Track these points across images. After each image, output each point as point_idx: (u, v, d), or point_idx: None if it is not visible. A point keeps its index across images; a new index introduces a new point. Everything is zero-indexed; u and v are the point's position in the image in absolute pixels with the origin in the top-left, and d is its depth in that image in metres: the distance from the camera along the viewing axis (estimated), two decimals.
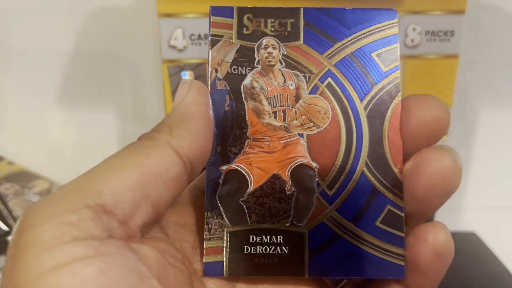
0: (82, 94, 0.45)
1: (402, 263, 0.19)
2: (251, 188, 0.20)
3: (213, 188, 0.20)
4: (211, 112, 0.20)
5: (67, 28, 0.43)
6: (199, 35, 0.38)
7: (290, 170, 0.20)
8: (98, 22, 0.42)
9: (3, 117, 0.45)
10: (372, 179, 0.20)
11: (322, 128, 0.20)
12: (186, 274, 0.18)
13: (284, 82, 0.20)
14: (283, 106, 0.20)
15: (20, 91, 0.45)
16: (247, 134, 0.20)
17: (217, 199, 0.20)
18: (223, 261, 0.20)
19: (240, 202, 0.20)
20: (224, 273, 0.19)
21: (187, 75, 0.40)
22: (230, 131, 0.20)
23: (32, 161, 0.45)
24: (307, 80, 0.20)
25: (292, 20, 0.21)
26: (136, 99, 0.45)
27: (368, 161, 0.20)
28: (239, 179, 0.20)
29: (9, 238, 0.34)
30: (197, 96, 0.19)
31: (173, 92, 0.41)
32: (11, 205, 0.36)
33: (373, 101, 0.20)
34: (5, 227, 0.34)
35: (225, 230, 0.20)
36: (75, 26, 0.43)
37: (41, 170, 0.45)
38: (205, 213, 0.20)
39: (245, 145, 0.20)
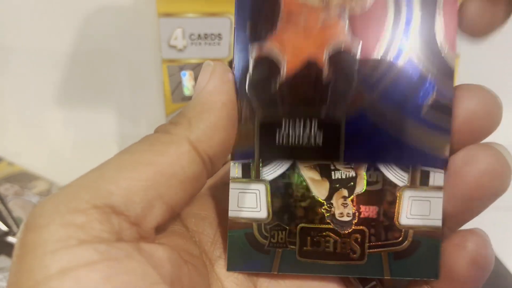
0: (81, 94, 0.45)
1: (444, 156, 0.18)
2: (283, 76, 0.18)
3: (242, 77, 0.18)
4: (234, 101, 0.18)
5: (66, 28, 0.43)
6: (199, 35, 0.38)
7: (328, 55, 0.18)
8: (98, 22, 0.42)
9: (2, 118, 0.45)
10: (420, 64, 0.18)
11: (366, 8, 0.18)
12: (202, 272, 0.18)
13: None
14: None
15: (19, 91, 0.45)
16: (281, 11, 0.18)
17: (247, 90, 0.18)
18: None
19: (272, 91, 0.18)
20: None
21: (187, 75, 0.40)
22: (261, 7, 0.18)
23: (31, 161, 0.45)
24: None
25: None
26: (136, 99, 0.45)
27: (416, 45, 0.18)
28: (270, 66, 0.18)
29: (9, 238, 0.34)
30: (220, 82, 0.18)
31: (173, 92, 0.41)
32: (11, 206, 0.36)
33: None
34: (4, 228, 0.34)
35: (256, 118, 0.18)
36: (74, 26, 0.43)
37: (41, 170, 0.45)
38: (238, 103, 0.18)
39: (278, 22, 0.18)
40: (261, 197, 0.19)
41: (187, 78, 0.40)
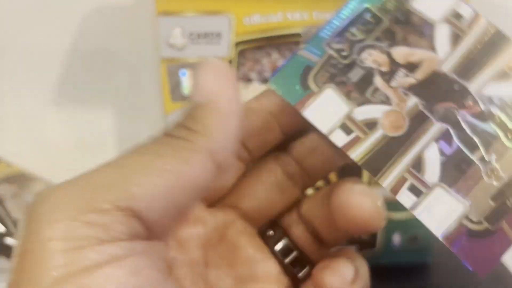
0: (80, 93, 0.45)
1: None
2: None
3: None
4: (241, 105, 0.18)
5: (64, 27, 0.43)
6: (199, 34, 0.38)
7: None
8: (96, 21, 0.43)
9: (0, 118, 0.45)
10: None
11: None
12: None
13: None
14: None
15: (18, 91, 0.45)
16: None
17: None
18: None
19: None
20: None
21: (186, 74, 0.40)
22: None
23: (29, 162, 0.45)
24: None
25: None
26: (134, 98, 0.45)
27: None
28: None
29: (7, 240, 0.34)
30: (228, 86, 0.17)
31: (172, 91, 0.41)
32: (9, 207, 0.36)
33: None
34: (3, 229, 0.34)
35: None
36: (72, 25, 0.43)
37: (39, 171, 0.45)
38: None
39: None
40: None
41: (186, 77, 0.40)
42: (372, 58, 0.20)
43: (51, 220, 0.14)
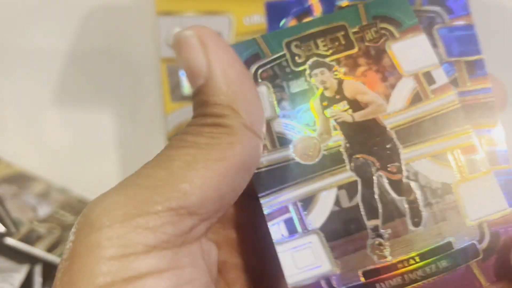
0: (79, 93, 0.45)
1: None
2: None
3: None
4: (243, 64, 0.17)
5: (64, 27, 0.43)
6: None
7: None
8: (96, 21, 0.43)
9: (0, 118, 0.45)
10: None
11: None
12: None
13: None
14: None
15: (17, 91, 0.45)
16: None
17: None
18: None
19: None
20: None
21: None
22: None
23: (29, 162, 0.45)
24: None
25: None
26: (134, 98, 0.45)
27: None
28: None
29: (7, 240, 0.34)
30: (223, 54, 0.16)
31: (172, 91, 0.41)
32: (9, 207, 0.36)
33: None
34: (2, 229, 0.34)
35: None
36: (72, 25, 0.43)
37: (39, 171, 0.45)
38: None
39: None
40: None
41: (186, 77, 0.40)
42: (322, 78, 0.19)
43: (101, 225, 0.14)
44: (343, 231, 0.17)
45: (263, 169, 0.18)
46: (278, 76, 0.19)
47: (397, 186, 0.18)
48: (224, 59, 0.16)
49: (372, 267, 0.17)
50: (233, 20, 0.37)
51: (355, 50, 0.19)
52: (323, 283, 0.17)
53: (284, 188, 0.18)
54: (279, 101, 0.19)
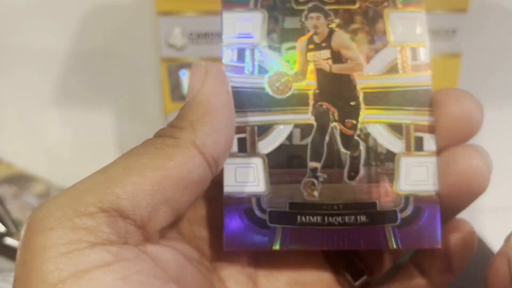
0: (79, 94, 0.45)
1: None
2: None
3: None
4: (231, 100, 0.18)
5: (64, 27, 0.43)
6: (198, 34, 0.38)
7: None
8: (96, 21, 0.43)
9: (0, 119, 0.45)
10: None
11: None
12: (204, 273, 0.18)
13: None
14: None
15: (17, 92, 0.45)
16: None
17: None
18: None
19: None
20: None
21: (186, 74, 0.40)
22: None
23: (30, 162, 0.45)
24: None
25: None
26: (134, 98, 0.45)
27: None
28: None
29: (7, 240, 0.34)
30: (216, 83, 0.18)
31: (172, 91, 0.41)
32: (9, 207, 0.36)
33: None
34: (3, 229, 0.34)
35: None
36: (72, 25, 0.43)
37: (39, 171, 0.45)
38: None
39: None
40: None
41: (186, 77, 0.40)
42: (316, 23, 0.20)
43: (43, 228, 0.14)
44: (285, 164, 0.19)
45: (235, 89, 0.19)
46: (277, 8, 0.20)
47: (347, 140, 0.19)
48: (214, 88, 0.18)
49: (299, 200, 0.19)
50: None
51: (355, 6, 0.20)
52: (253, 200, 0.19)
53: (248, 111, 0.19)
54: (270, 31, 0.20)
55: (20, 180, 0.42)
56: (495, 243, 0.42)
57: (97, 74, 0.45)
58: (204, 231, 0.20)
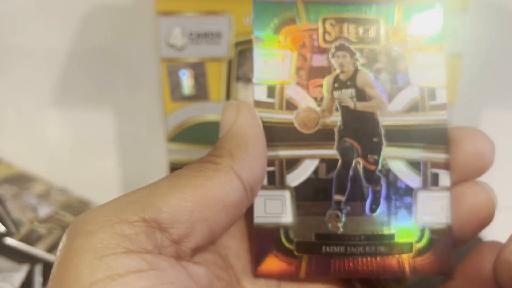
0: (80, 94, 0.45)
1: None
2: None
3: None
4: (263, 133, 0.20)
5: (64, 27, 0.43)
6: (199, 34, 0.38)
7: None
8: (96, 21, 0.43)
9: (0, 119, 0.45)
10: None
11: None
12: (230, 285, 0.19)
13: None
14: None
15: (17, 92, 0.45)
16: None
17: None
18: None
19: None
20: None
21: (186, 74, 0.40)
22: None
23: (30, 162, 0.45)
24: None
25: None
26: (134, 98, 0.45)
27: None
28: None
29: (7, 240, 0.34)
30: (249, 117, 0.19)
31: (172, 91, 0.41)
32: (9, 207, 0.36)
33: None
34: (3, 229, 0.34)
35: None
36: (72, 25, 0.43)
37: (39, 171, 0.45)
38: None
39: None
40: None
41: (186, 77, 0.40)
42: (342, 61, 0.21)
43: (85, 232, 0.15)
44: (312, 196, 0.20)
45: (265, 124, 0.20)
46: (305, 46, 0.20)
47: (369, 175, 0.20)
48: (247, 121, 0.19)
49: (324, 232, 0.20)
50: (233, 20, 0.37)
51: (379, 46, 0.21)
52: (281, 230, 0.20)
53: (277, 146, 0.20)
54: (298, 69, 0.20)
55: (20, 180, 0.42)
56: None
57: (97, 74, 0.45)
58: (232, 242, 0.20)
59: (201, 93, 0.39)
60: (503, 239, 0.25)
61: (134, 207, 0.16)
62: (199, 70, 0.39)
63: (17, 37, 0.44)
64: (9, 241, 0.34)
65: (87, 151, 0.46)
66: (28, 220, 0.37)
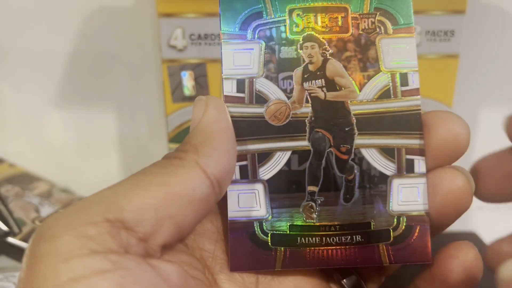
0: (82, 94, 0.45)
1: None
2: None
3: None
4: (231, 127, 0.19)
5: (66, 28, 0.43)
6: (199, 35, 0.38)
7: None
8: (97, 22, 0.43)
9: (2, 119, 0.45)
10: None
11: None
12: (207, 285, 0.18)
13: None
14: None
15: (19, 92, 0.45)
16: None
17: None
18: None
19: None
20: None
21: (187, 75, 0.40)
22: None
23: (32, 162, 0.45)
24: None
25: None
26: (135, 99, 0.45)
27: None
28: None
29: (9, 239, 0.34)
30: (216, 112, 0.19)
31: (173, 92, 0.41)
32: (11, 207, 0.36)
33: None
34: (5, 228, 0.34)
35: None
36: (74, 26, 0.43)
37: (41, 171, 0.45)
38: None
39: None
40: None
41: (187, 78, 0.40)
42: (311, 52, 0.20)
43: (49, 236, 0.15)
44: (285, 188, 0.20)
45: (236, 119, 0.20)
46: (273, 39, 0.20)
47: (342, 164, 0.20)
48: (214, 116, 0.19)
49: (298, 223, 0.20)
50: None
51: (348, 34, 0.20)
52: (256, 224, 0.20)
53: (248, 140, 0.20)
54: (267, 62, 0.20)
55: (23, 180, 0.42)
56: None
57: (98, 75, 0.45)
58: (207, 244, 0.20)
59: (201, 93, 0.39)
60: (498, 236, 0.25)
61: (97, 207, 0.16)
62: (199, 71, 0.39)
63: (19, 39, 0.44)
64: (12, 240, 0.34)
65: (89, 151, 0.46)
66: (31, 220, 0.37)
